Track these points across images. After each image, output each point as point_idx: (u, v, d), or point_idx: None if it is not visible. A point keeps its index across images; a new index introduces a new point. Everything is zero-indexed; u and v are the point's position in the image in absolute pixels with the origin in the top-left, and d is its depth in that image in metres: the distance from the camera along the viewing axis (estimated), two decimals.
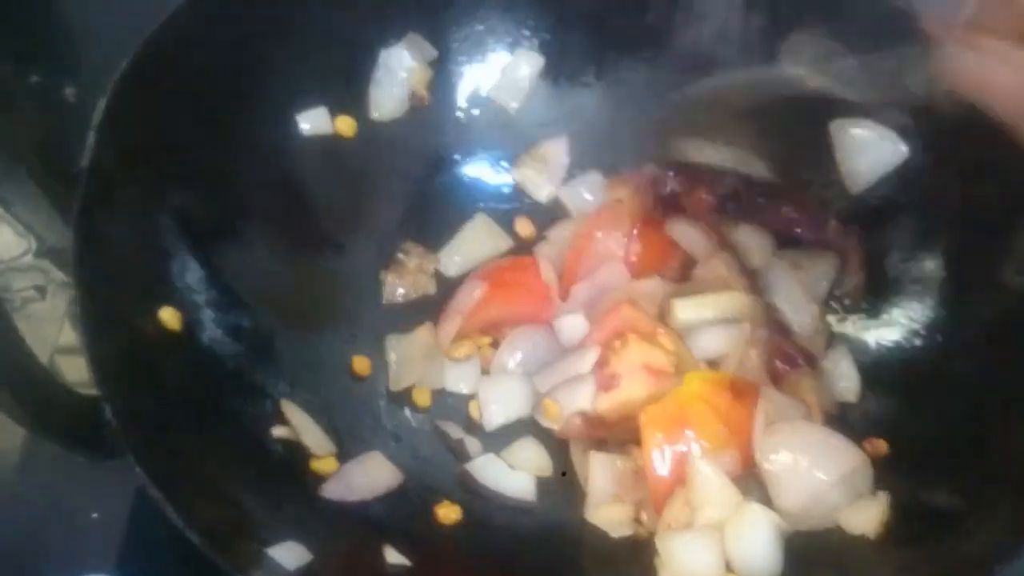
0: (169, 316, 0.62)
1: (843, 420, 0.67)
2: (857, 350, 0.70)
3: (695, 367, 0.68)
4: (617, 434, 0.67)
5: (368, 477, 0.61)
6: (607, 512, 0.65)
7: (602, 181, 0.78)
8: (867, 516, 0.60)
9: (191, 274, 0.64)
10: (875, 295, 0.71)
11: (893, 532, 0.60)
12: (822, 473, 0.61)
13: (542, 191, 0.79)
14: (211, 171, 0.67)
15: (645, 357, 0.67)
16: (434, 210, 0.77)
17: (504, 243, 0.78)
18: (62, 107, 0.61)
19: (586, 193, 0.79)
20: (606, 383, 0.67)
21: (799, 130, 0.73)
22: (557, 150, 0.78)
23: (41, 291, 0.70)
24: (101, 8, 0.78)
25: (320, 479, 0.62)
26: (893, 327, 0.70)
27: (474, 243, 0.77)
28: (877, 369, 0.69)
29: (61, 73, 0.76)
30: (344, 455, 0.65)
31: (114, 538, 0.65)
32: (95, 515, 0.66)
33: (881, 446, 0.64)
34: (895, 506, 0.60)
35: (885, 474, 0.63)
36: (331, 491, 0.61)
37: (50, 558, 0.65)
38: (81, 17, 0.84)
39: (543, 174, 0.78)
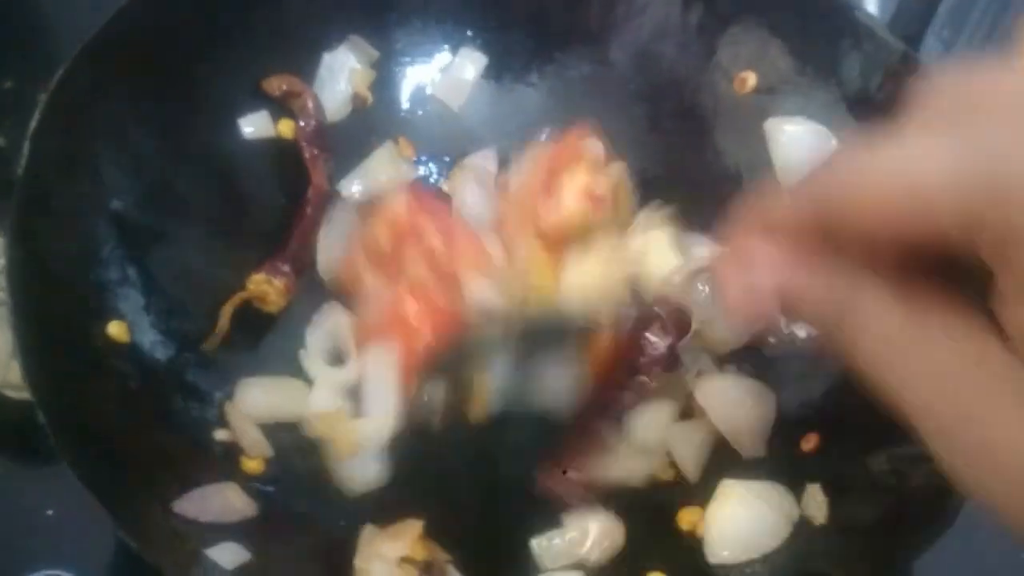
0: (117, 329, 0.62)
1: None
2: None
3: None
4: None
5: (225, 503, 0.59)
6: None
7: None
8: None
9: (129, 280, 0.64)
10: None
11: (833, 518, 0.61)
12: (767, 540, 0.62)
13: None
14: (150, 176, 0.67)
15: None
16: None
17: (408, 171, 0.77)
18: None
19: None
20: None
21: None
22: (485, 161, 0.77)
23: None
24: (77, 12, 0.77)
25: (246, 477, 0.62)
26: None
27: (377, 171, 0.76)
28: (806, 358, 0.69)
29: (34, 79, 0.76)
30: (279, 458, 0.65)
31: (69, 535, 0.65)
32: (50, 512, 0.66)
33: (814, 440, 0.65)
34: (830, 493, 0.61)
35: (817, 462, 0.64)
36: (181, 508, 0.58)
37: (4, 555, 0.65)
38: (56, 21, 0.85)
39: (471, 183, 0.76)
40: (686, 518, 0.64)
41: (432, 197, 0.71)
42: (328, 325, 0.69)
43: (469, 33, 0.79)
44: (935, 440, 0.30)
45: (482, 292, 0.64)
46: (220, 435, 0.64)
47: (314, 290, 0.71)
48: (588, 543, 0.63)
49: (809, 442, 0.65)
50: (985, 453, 0.28)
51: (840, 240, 0.32)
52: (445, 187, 0.77)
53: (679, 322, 0.64)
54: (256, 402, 0.66)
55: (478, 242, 0.67)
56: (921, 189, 0.28)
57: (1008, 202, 0.26)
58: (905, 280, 0.31)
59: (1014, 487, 0.28)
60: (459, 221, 0.69)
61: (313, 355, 0.68)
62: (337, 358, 0.69)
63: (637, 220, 0.72)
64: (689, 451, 0.67)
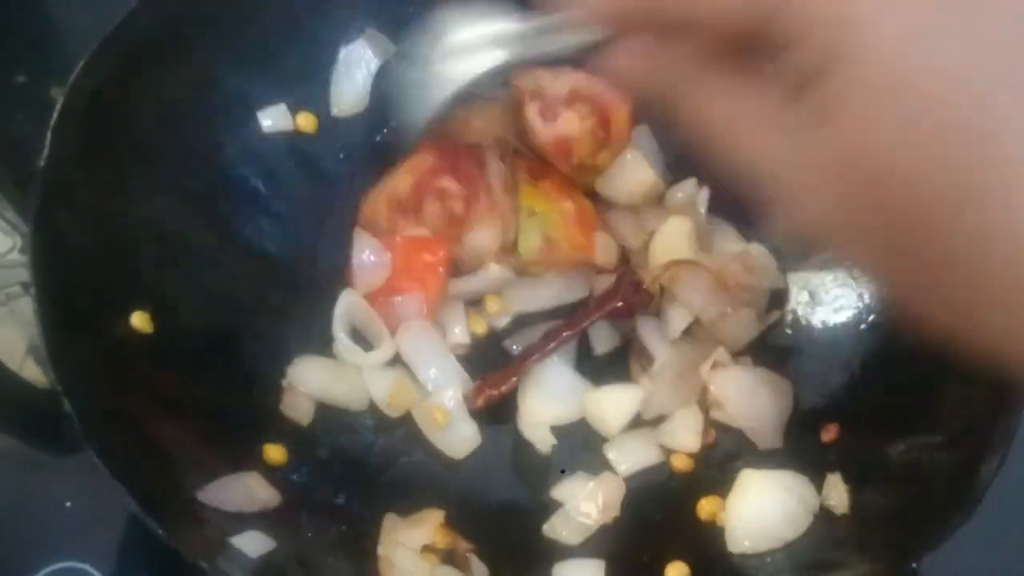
0: (139, 320, 0.62)
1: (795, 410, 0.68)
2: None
3: None
4: None
5: (247, 493, 0.60)
6: None
7: None
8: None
9: (152, 271, 0.65)
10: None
11: (855, 508, 0.61)
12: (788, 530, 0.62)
13: None
14: (172, 170, 0.67)
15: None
16: None
17: None
18: (48, 107, 0.62)
19: None
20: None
21: None
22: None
23: (26, 287, 0.70)
24: (88, 7, 0.77)
25: (270, 467, 0.63)
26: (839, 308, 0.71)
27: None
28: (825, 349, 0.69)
29: (47, 73, 0.77)
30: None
31: (87, 527, 0.65)
32: (68, 504, 0.66)
33: (833, 430, 0.65)
34: (851, 482, 0.61)
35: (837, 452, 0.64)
36: (205, 496, 0.58)
37: (23, 548, 0.65)
38: (67, 16, 0.85)
39: None
40: (706, 508, 0.64)
41: (460, 154, 0.72)
42: (348, 313, 0.69)
43: None
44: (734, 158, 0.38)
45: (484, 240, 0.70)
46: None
47: (326, 282, 0.71)
48: (593, 506, 0.64)
49: (829, 432, 0.65)
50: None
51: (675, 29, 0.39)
52: None
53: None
54: (312, 379, 0.67)
55: (495, 206, 0.71)
56: None
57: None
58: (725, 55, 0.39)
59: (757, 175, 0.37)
60: (483, 182, 0.71)
61: (346, 344, 0.68)
62: (366, 341, 0.70)
63: (667, 197, 0.73)
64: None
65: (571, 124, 0.70)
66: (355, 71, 0.76)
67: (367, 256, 0.70)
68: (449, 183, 0.70)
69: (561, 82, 0.71)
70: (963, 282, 0.34)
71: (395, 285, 0.70)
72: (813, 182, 0.36)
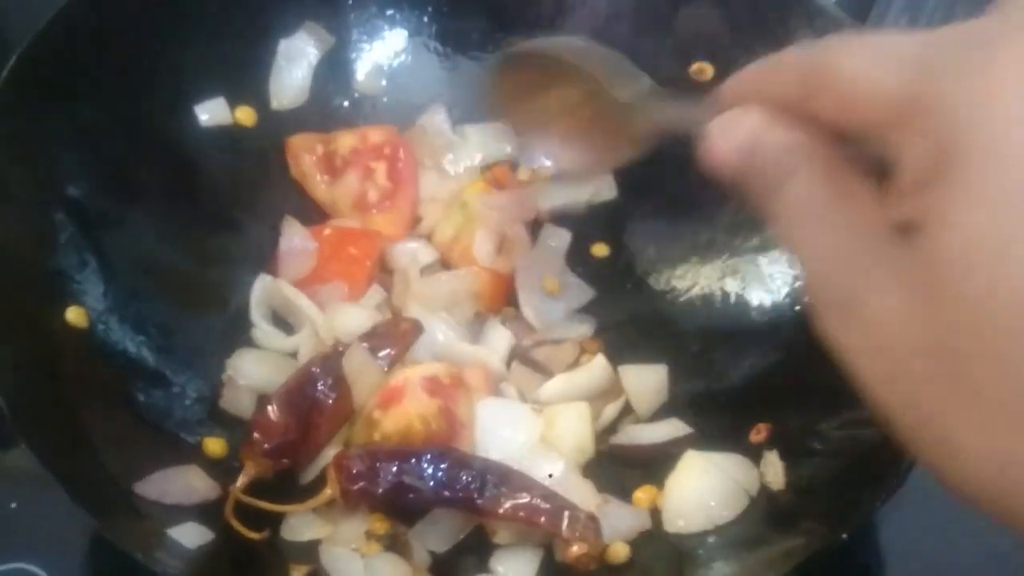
0: (75, 315, 0.62)
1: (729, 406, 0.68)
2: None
3: None
4: None
5: (187, 486, 0.59)
6: None
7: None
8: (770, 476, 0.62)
9: (87, 266, 0.64)
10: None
11: (791, 483, 0.62)
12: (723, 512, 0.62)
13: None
14: (107, 163, 0.67)
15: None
16: None
17: None
18: None
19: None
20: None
21: None
22: (436, 118, 0.78)
23: None
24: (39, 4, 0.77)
25: (209, 460, 0.63)
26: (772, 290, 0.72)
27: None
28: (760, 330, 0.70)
29: None
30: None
31: (33, 528, 0.64)
32: (13, 505, 0.66)
33: (764, 430, 0.65)
34: (786, 458, 0.62)
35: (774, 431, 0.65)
36: (143, 489, 0.58)
37: None
38: (9, 9, 0.84)
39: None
40: (642, 497, 0.64)
41: (403, 147, 0.74)
42: (266, 298, 0.70)
43: (424, 17, 0.79)
44: (827, 312, 0.33)
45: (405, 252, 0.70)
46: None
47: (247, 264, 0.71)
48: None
49: (759, 433, 0.65)
50: (860, 326, 0.32)
51: (805, 110, 0.35)
52: None
53: None
54: (252, 371, 0.67)
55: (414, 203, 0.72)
56: (877, 83, 0.31)
57: (929, 114, 0.29)
58: (837, 160, 0.34)
59: (878, 361, 0.31)
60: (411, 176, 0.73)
61: (265, 329, 0.69)
62: (285, 325, 0.70)
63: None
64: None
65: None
66: (295, 64, 0.76)
67: (295, 244, 0.71)
68: (381, 168, 0.70)
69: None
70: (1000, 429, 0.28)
71: (321, 274, 0.70)
72: (889, 297, 0.30)
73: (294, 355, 0.69)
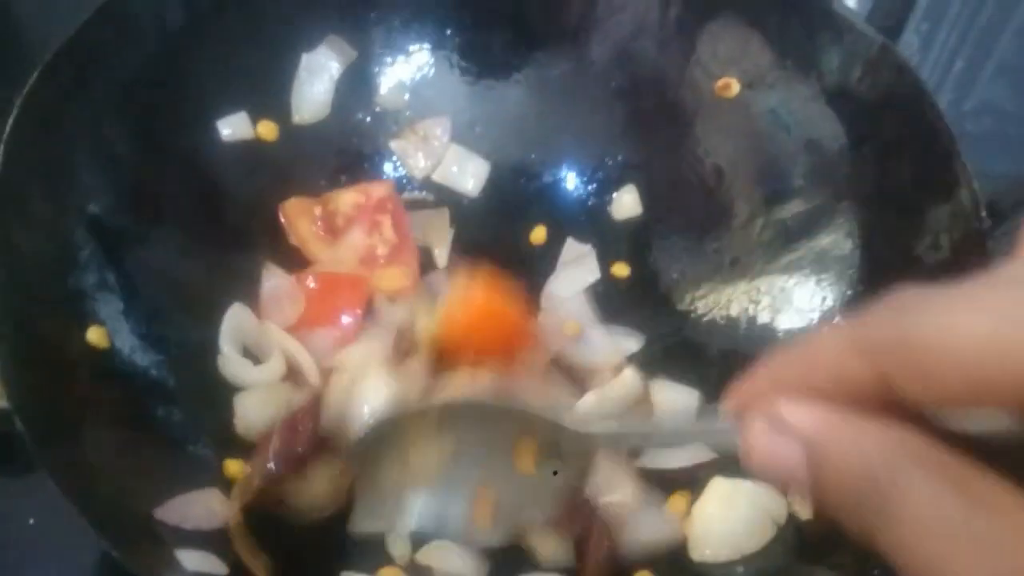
0: (96, 335, 0.61)
1: None
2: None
3: None
4: None
5: (207, 510, 0.59)
6: None
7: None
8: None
9: (108, 285, 0.64)
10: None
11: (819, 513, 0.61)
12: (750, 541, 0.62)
13: (419, 166, 0.78)
14: (128, 179, 0.66)
15: None
16: None
17: None
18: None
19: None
20: None
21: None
22: (437, 128, 0.78)
23: None
24: (52, 15, 0.78)
25: (229, 482, 0.62)
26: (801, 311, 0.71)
27: None
28: None
29: (10, 83, 0.75)
30: None
31: (51, 543, 0.65)
32: (31, 521, 0.66)
33: None
34: None
35: None
36: (163, 515, 0.57)
37: None
38: (32, 24, 0.84)
39: (420, 150, 0.78)
40: (677, 501, 0.64)
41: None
42: (236, 328, 0.68)
43: (448, 31, 0.78)
44: None
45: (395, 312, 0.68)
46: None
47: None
48: None
49: None
50: None
51: (893, 400, 0.28)
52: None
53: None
54: (255, 413, 0.65)
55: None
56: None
57: None
58: (954, 457, 0.27)
59: None
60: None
61: (233, 358, 0.67)
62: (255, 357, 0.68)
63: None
64: None
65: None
66: (317, 78, 0.76)
67: (276, 292, 0.69)
68: (387, 222, 0.71)
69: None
70: None
71: (310, 319, 0.69)
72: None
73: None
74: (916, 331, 0.27)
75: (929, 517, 0.26)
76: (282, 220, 0.73)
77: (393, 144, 0.78)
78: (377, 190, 0.75)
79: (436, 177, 0.78)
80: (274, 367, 0.66)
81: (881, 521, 0.27)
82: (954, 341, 0.26)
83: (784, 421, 0.30)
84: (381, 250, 0.73)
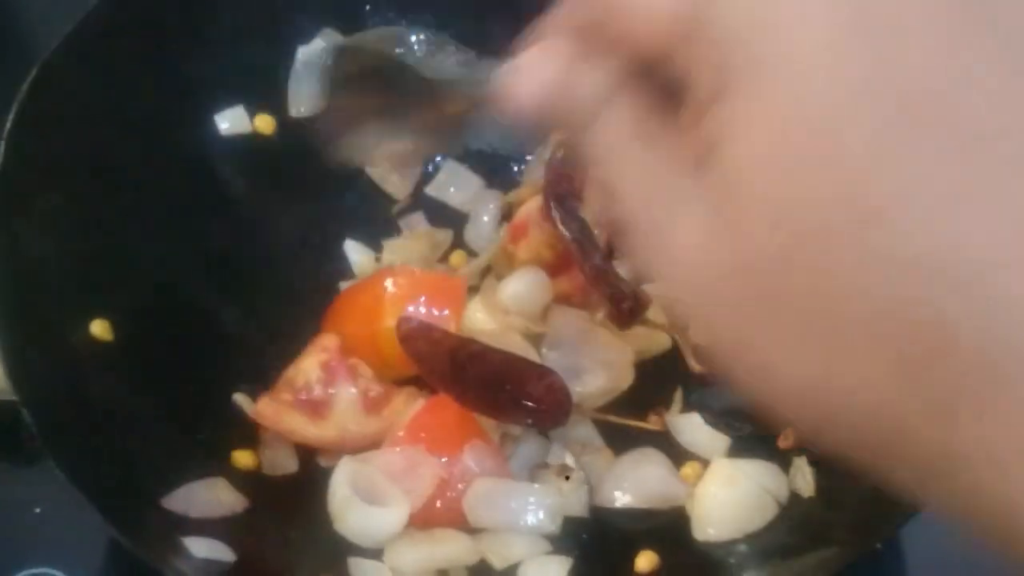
0: (100, 328, 0.62)
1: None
2: None
3: None
4: None
5: (214, 498, 0.59)
6: None
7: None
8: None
9: (111, 278, 0.64)
10: None
11: (821, 491, 0.61)
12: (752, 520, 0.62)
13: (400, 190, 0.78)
14: (129, 175, 0.67)
15: None
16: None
17: None
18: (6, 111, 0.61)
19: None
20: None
21: None
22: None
23: None
24: (52, 10, 0.78)
25: (237, 473, 0.62)
26: None
27: None
28: None
29: (10, 78, 0.75)
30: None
31: (57, 533, 0.65)
32: (37, 510, 0.66)
33: (793, 434, 0.63)
34: (816, 464, 0.61)
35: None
36: (170, 503, 0.57)
37: None
38: (32, 20, 0.84)
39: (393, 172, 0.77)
40: (689, 473, 0.64)
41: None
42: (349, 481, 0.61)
43: (444, 24, 0.78)
44: (641, 251, 0.32)
45: None
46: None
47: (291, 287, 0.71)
48: None
49: (788, 438, 0.64)
50: (669, 259, 0.30)
51: (601, 44, 0.32)
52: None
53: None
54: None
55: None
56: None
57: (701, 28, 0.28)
58: (645, 93, 0.32)
59: (690, 291, 0.30)
60: None
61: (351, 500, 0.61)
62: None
63: None
64: None
65: None
66: (313, 71, 0.76)
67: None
68: (362, 365, 0.65)
69: None
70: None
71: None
72: (692, 224, 0.29)
73: None
74: None
75: (611, 131, 0.32)
76: (263, 426, 0.65)
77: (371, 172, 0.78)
78: (328, 341, 0.67)
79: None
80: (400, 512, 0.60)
81: (583, 133, 0.33)
82: (641, 4, 0.30)
83: (528, 62, 0.34)
84: (373, 390, 0.65)
